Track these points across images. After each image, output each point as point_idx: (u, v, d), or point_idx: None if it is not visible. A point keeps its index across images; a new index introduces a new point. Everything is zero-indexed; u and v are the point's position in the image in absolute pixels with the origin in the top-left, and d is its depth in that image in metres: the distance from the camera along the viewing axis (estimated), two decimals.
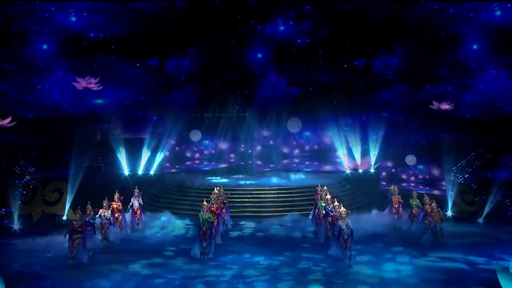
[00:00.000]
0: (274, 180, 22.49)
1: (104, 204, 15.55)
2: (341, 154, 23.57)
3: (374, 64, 20.37)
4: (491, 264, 12.84)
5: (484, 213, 17.88)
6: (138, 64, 20.25)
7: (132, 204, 17.22)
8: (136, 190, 17.44)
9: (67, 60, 18.80)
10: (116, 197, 16.38)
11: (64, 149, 19.19)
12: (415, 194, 17.03)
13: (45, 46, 18.39)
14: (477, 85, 19.52)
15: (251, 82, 21.36)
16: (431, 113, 20.65)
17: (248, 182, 22.21)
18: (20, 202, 18.17)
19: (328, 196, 15.69)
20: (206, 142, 24.98)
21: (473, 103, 19.70)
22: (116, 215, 16.08)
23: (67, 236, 13.28)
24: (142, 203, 17.51)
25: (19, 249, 14.66)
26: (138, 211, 17.29)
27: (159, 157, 22.79)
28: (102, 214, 15.31)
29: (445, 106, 19.86)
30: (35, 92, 18.89)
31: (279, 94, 21.51)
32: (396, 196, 17.75)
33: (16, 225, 17.14)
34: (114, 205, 16.19)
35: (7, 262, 13.41)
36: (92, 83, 19.14)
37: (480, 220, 17.67)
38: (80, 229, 13.37)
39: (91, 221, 14.44)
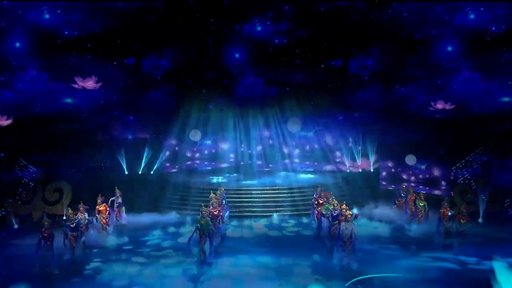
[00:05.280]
0: (273, 180, 22.71)
1: (81, 208, 15.13)
2: (338, 153, 23.80)
3: (350, 64, 20.53)
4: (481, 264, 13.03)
5: (481, 213, 18.14)
6: (114, 63, 20.00)
7: (113, 203, 17.32)
8: (117, 190, 17.55)
9: (40, 59, 18.45)
10: (99, 200, 16.30)
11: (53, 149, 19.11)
12: (422, 196, 17.24)
13: (17, 44, 18.01)
14: (452, 86, 19.85)
15: (229, 82, 21.32)
16: (407, 113, 20.99)
17: (247, 182, 22.39)
18: (20, 202, 18.32)
19: (335, 201, 15.54)
20: (208, 142, 25.04)
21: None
22: (103, 216, 16.11)
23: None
24: (121, 202, 17.56)
25: (18, 249, 14.61)
26: (119, 210, 17.45)
27: (159, 156, 22.88)
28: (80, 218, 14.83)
29: (448, 106, 19.96)
30: (6, 91, 18.56)
31: (257, 93, 21.53)
32: (412, 194, 17.93)
33: (15, 225, 17.32)
34: (100, 207, 16.20)
35: (7, 262, 13.45)
36: (91, 83, 19.01)
37: (480, 220, 17.85)
38: (46, 236, 12.86)
39: (70, 225, 14.02)
